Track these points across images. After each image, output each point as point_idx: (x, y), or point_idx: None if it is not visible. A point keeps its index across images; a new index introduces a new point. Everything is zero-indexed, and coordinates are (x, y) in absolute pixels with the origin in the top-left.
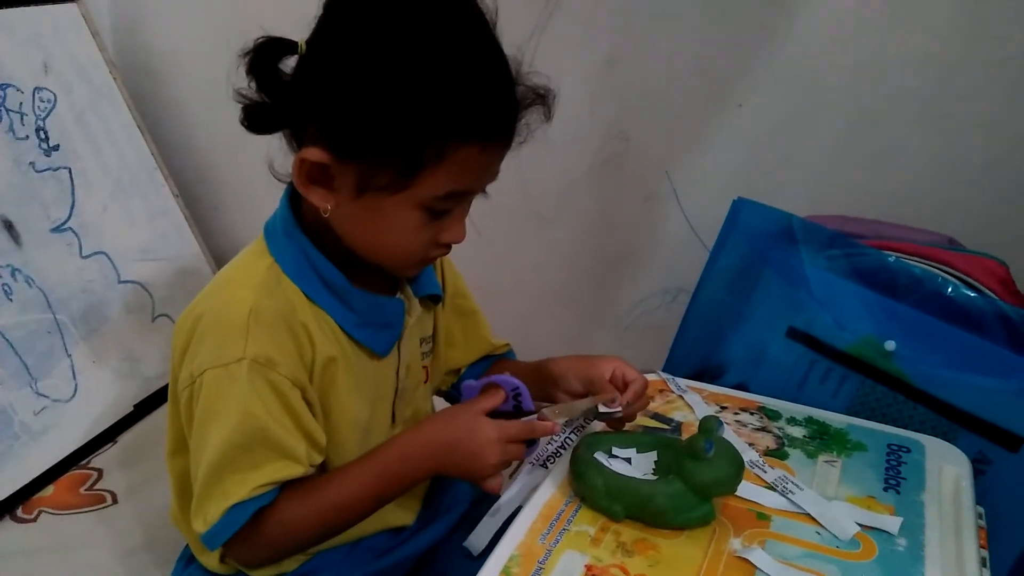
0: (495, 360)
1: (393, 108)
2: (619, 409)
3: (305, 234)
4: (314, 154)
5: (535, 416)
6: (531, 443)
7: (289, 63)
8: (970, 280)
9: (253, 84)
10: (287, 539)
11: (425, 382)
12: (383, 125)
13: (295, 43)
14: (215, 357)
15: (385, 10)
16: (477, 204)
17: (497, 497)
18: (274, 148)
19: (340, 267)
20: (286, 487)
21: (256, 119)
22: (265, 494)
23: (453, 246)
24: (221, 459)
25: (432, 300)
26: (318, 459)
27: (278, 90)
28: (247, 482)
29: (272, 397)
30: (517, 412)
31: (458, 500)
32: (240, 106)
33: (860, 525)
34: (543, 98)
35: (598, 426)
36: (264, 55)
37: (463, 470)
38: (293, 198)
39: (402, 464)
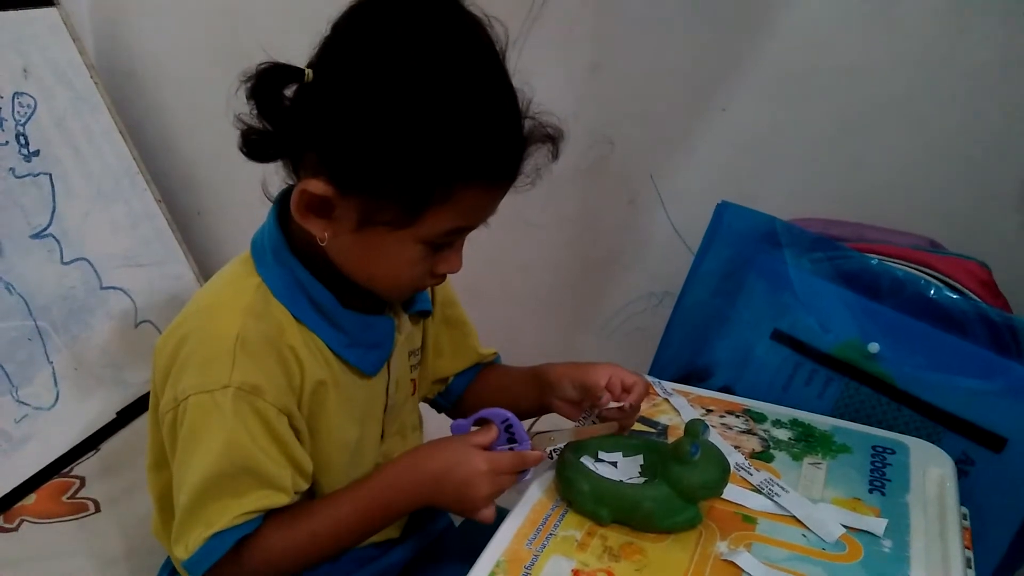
0: (483, 368)
1: (404, 147)
2: (624, 404)
3: (295, 254)
4: (317, 187)
5: (529, 445)
6: (522, 472)
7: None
8: (952, 282)
9: (254, 109)
10: (270, 568)
11: (412, 394)
12: (393, 164)
13: (301, 70)
14: (200, 383)
15: (397, 42)
16: None
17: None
18: (267, 169)
19: (330, 287)
20: (270, 516)
21: (255, 147)
22: (247, 523)
23: None
24: (204, 487)
25: (421, 315)
26: (304, 486)
27: (280, 117)
28: (229, 510)
29: (258, 425)
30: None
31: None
32: (238, 132)
33: (846, 527)
34: (552, 139)
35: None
36: (268, 81)
37: (453, 501)
38: (281, 216)
39: (390, 494)
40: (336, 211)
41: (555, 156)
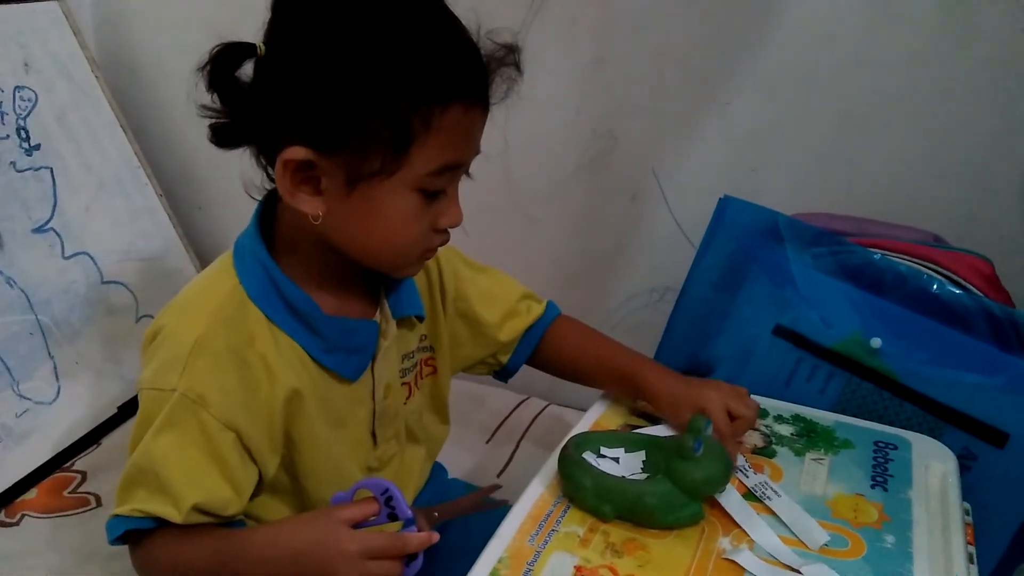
0: (540, 331)
1: (369, 83)
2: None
3: (276, 255)
4: (297, 152)
5: (414, 525)
6: (411, 558)
7: (247, 71)
8: (955, 277)
9: (215, 99)
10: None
11: (409, 398)
12: (363, 103)
13: (253, 45)
14: (153, 379)
15: None
16: (465, 203)
17: None
18: (250, 164)
19: (314, 288)
20: (168, 528)
21: (223, 133)
22: (136, 518)
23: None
24: (130, 472)
25: (416, 319)
26: (229, 510)
27: (243, 99)
28: (131, 501)
29: (193, 434)
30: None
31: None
32: (207, 123)
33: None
34: (511, 50)
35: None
36: (223, 63)
37: None
38: (263, 216)
39: (242, 560)
40: (323, 180)
41: (519, 70)
